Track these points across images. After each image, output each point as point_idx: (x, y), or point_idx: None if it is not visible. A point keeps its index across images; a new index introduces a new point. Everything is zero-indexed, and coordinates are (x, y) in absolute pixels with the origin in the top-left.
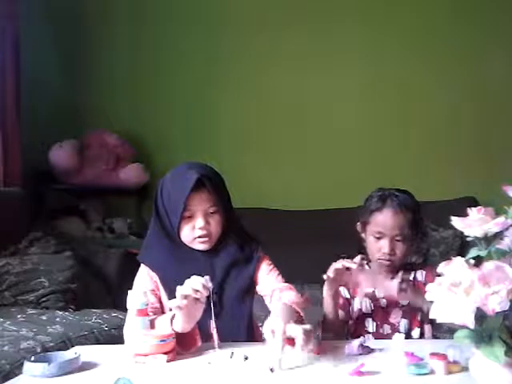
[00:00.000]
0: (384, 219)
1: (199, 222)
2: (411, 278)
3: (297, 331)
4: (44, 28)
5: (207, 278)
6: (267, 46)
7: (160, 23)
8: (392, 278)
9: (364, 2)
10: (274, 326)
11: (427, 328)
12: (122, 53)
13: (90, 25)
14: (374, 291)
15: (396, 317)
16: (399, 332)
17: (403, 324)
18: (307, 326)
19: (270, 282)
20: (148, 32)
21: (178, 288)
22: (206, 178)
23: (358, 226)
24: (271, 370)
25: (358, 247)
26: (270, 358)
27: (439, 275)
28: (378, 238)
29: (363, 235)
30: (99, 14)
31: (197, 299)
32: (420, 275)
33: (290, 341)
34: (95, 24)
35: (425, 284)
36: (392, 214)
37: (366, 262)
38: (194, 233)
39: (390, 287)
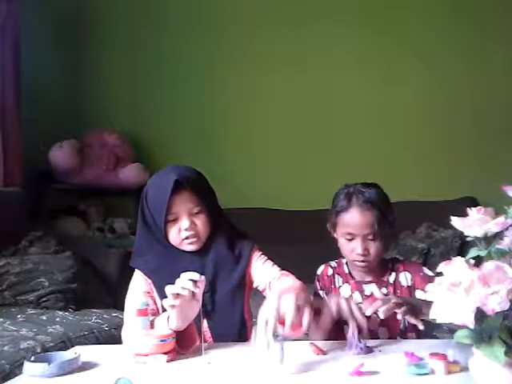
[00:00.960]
0: (351, 219)
1: (184, 223)
2: (392, 280)
3: (288, 305)
4: (44, 28)
5: (195, 274)
6: (267, 47)
7: (160, 23)
8: (370, 281)
9: (364, 2)
10: (267, 312)
11: (410, 335)
12: (122, 53)
13: (90, 25)
14: (351, 296)
15: (373, 323)
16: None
17: (381, 332)
18: (300, 301)
19: (265, 275)
20: (148, 32)
21: (168, 287)
22: (185, 179)
23: (329, 226)
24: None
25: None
26: (259, 350)
27: (428, 275)
28: (350, 240)
29: (335, 236)
30: (99, 14)
31: (192, 297)
32: (404, 278)
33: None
34: (95, 24)
35: (409, 287)
36: (359, 213)
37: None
38: (181, 234)
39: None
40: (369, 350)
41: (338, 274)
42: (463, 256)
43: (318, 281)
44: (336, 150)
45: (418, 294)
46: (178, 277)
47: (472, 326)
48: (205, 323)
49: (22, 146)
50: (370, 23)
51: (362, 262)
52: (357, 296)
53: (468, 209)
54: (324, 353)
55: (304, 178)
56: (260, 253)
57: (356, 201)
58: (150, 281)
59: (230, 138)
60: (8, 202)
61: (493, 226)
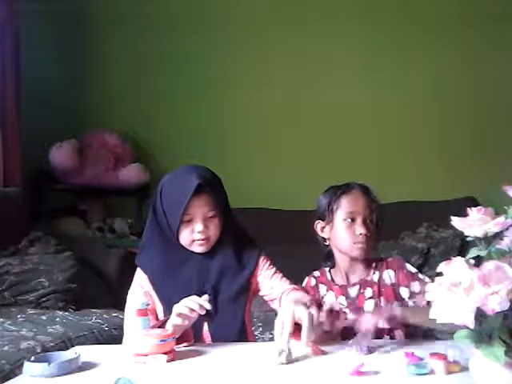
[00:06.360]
0: (355, 199)
1: (198, 226)
2: (376, 279)
3: (303, 314)
4: (44, 28)
5: (206, 297)
6: (268, 47)
7: (160, 23)
8: (355, 283)
9: (364, 3)
10: (283, 316)
11: (398, 334)
12: (122, 53)
13: (91, 25)
14: (336, 301)
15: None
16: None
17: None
18: (312, 310)
19: (276, 287)
20: (148, 32)
21: (175, 307)
22: (207, 183)
23: (319, 224)
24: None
25: (325, 254)
26: (278, 350)
27: (411, 272)
28: (352, 220)
29: (327, 230)
30: (99, 14)
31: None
32: (387, 276)
33: (296, 333)
34: (95, 24)
35: (393, 285)
36: (361, 194)
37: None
38: (193, 236)
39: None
40: (370, 351)
41: (322, 283)
42: (463, 256)
43: None
44: (336, 150)
45: (402, 291)
46: (181, 277)
47: (472, 326)
48: (205, 326)
49: (22, 146)
50: (370, 25)
51: (364, 243)
52: (342, 300)
53: (468, 209)
54: (324, 353)
55: (304, 178)
56: (268, 263)
57: (356, 186)
58: (147, 279)
59: (229, 138)
60: (8, 202)
61: (493, 226)
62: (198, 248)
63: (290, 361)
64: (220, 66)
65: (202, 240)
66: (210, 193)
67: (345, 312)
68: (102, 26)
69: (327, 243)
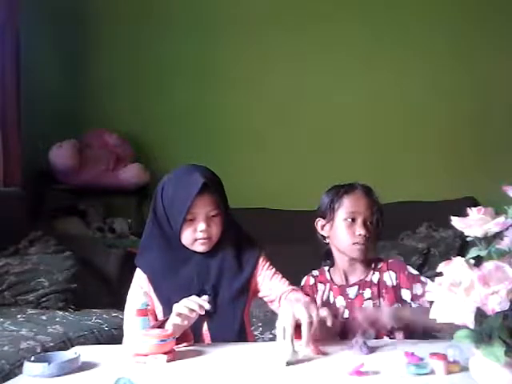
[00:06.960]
0: (356, 199)
1: (201, 225)
2: (375, 280)
3: (302, 315)
4: (44, 28)
5: (205, 297)
6: (268, 47)
7: (160, 23)
8: (354, 284)
9: (365, 2)
10: (284, 320)
11: (397, 335)
12: (122, 53)
13: (91, 25)
14: (334, 301)
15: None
16: None
17: (369, 334)
18: (312, 310)
19: (275, 288)
20: (148, 32)
21: (175, 306)
22: (210, 182)
23: (319, 222)
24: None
25: (324, 252)
26: (283, 353)
27: (412, 274)
28: (352, 220)
29: (327, 228)
30: (99, 14)
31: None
32: (388, 278)
33: (298, 332)
34: (95, 24)
35: (394, 287)
36: (363, 195)
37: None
38: (196, 235)
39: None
40: (370, 351)
41: (320, 282)
42: (463, 256)
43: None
44: (336, 150)
45: (404, 293)
46: (180, 277)
47: (472, 326)
48: (205, 326)
49: (22, 146)
50: (370, 24)
51: (363, 244)
52: (340, 300)
53: (468, 209)
54: (324, 353)
55: (304, 178)
56: (268, 263)
57: (359, 186)
58: (147, 280)
59: (229, 138)
60: (8, 202)
61: (493, 226)
62: (199, 247)
63: (292, 362)
64: (220, 66)
65: (205, 239)
66: (213, 192)
67: (339, 307)
68: (102, 26)
69: (326, 241)
